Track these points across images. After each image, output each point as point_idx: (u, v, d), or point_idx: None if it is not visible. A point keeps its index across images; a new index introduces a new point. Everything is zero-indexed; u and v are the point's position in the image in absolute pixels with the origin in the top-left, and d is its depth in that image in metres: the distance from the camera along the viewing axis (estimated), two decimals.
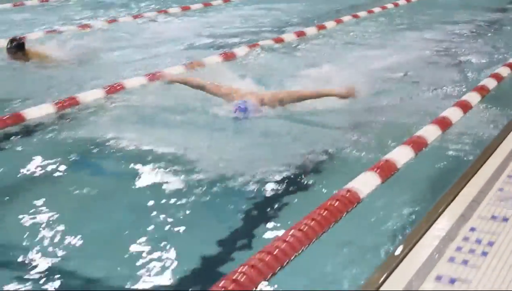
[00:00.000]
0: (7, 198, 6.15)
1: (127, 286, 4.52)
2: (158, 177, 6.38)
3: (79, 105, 8.56)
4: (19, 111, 8.01)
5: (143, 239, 5.09)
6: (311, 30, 13.21)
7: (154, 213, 5.60)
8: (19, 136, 7.55)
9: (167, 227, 5.37)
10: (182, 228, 5.36)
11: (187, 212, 5.63)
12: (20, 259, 4.89)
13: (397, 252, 4.29)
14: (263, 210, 5.74)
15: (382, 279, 3.95)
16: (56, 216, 5.52)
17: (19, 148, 7.40)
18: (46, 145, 7.39)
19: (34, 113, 8.06)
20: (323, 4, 16.23)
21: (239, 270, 4.17)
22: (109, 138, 7.26)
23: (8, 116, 7.92)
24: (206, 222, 5.67)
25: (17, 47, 10.33)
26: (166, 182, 6.24)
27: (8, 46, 10.39)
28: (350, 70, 9.79)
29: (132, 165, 6.63)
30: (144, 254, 4.86)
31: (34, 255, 4.91)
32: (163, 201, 5.84)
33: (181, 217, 5.53)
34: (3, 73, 10.25)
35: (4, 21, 14.34)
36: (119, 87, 9.28)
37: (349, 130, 7.61)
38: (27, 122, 7.82)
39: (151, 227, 5.34)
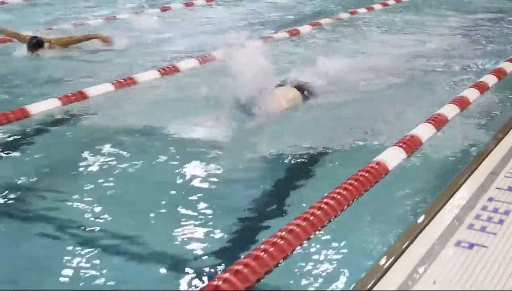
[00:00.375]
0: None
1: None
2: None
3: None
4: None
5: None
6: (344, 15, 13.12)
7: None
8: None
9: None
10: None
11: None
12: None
13: (420, 220, 4.29)
14: (298, 182, 5.73)
15: (406, 244, 3.95)
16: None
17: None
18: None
19: (93, 91, 8.07)
20: None
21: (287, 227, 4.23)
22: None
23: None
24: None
25: (36, 45, 10.17)
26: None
27: (28, 44, 10.18)
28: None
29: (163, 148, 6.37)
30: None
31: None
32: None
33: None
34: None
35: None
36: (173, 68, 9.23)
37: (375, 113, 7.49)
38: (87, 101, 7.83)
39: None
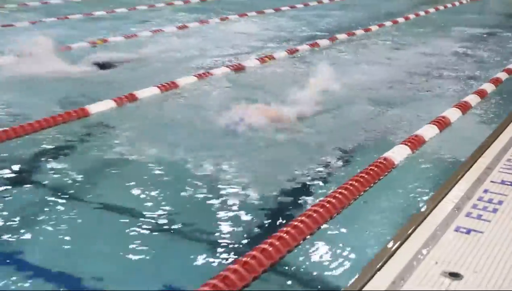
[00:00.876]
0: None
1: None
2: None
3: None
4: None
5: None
6: (359, 32, 13.07)
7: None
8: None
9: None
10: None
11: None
12: None
13: (424, 208, 4.31)
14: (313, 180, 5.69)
15: (411, 229, 3.97)
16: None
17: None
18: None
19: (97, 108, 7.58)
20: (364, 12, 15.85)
21: (299, 218, 4.25)
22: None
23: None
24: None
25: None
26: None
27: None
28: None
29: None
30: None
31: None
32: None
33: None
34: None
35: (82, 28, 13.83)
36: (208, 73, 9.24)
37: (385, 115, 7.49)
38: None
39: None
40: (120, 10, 16.25)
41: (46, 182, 5.59)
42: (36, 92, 8.40)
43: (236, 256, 4.04)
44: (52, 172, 5.82)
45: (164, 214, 4.81)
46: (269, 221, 4.77)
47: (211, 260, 4.17)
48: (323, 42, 11.76)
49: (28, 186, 5.49)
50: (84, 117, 7.21)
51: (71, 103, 7.67)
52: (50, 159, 6.13)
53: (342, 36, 12.39)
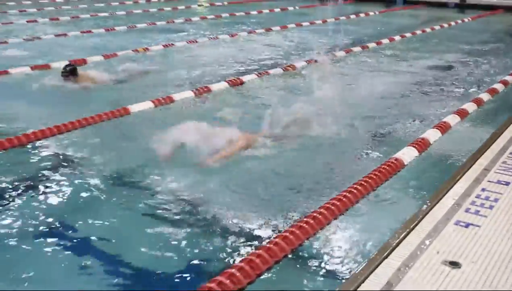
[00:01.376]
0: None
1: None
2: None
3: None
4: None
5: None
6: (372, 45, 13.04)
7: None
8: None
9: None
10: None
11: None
12: None
13: (426, 204, 4.29)
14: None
15: (415, 223, 3.96)
16: None
17: None
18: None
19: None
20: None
21: (314, 212, 4.25)
22: None
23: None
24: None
25: (71, 72, 8.80)
26: None
27: (63, 70, 8.85)
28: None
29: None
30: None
31: None
32: None
33: None
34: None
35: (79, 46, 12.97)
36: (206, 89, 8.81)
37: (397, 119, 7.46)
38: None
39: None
40: (160, 23, 16.35)
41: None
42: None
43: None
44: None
45: None
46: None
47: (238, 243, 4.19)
48: (339, 54, 11.75)
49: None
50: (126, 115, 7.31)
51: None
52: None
53: (356, 49, 12.36)
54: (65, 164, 5.85)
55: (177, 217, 4.66)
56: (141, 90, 8.72)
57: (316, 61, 10.35)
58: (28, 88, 8.63)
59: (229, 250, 4.11)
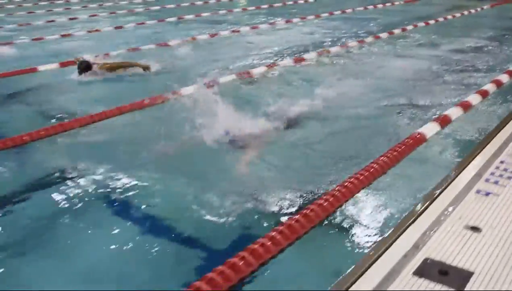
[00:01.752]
0: None
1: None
2: None
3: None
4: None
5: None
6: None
7: None
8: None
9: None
10: None
11: None
12: None
13: (450, 174, 4.25)
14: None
15: (439, 190, 3.94)
16: None
17: None
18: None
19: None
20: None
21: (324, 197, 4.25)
22: None
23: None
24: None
25: (85, 68, 8.70)
26: None
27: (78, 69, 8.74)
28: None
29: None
30: None
31: None
32: None
33: None
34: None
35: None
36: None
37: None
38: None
39: None
40: (205, 14, 16.38)
41: None
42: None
43: None
44: None
45: None
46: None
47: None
48: (369, 39, 11.62)
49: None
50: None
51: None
52: None
53: (383, 35, 12.18)
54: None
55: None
56: (189, 75, 8.76)
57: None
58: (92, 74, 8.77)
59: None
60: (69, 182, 4.77)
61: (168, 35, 12.57)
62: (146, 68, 9.01)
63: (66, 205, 4.36)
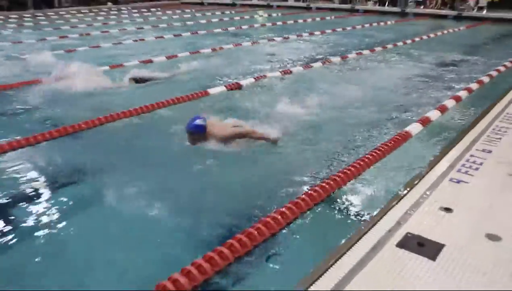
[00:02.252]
0: None
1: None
2: None
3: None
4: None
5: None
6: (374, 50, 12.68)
7: None
8: None
9: None
10: None
11: None
12: None
13: (425, 168, 4.25)
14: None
15: (418, 180, 3.94)
16: None
17: None
18: None
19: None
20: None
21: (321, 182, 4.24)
22: None
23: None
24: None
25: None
26: None
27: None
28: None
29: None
30: None
31: None
32: None
33: None
34: None
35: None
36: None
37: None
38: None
39: None
40: (231, 28, 16.37)
41: None
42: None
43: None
44: None
45: None
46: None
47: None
48: (365, 52, 11.53)
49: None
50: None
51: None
52: None
53: (378, 49, 12.08)
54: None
55: None
56: (215, 77, 8.81)
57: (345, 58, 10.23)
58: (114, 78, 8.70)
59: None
60: None
61: (200, 44, 12.58)
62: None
63: None
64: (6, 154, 5.08)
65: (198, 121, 4.81)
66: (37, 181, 4.50)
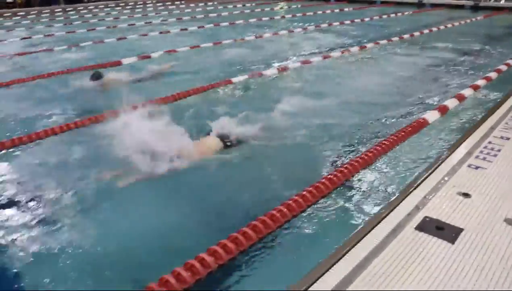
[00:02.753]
0: None
1: None
2: None
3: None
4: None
5: None
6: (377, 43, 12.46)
7: None
8: None
9: None
10: None
11: None
12: None
13: (444, 154, 4.18)
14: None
15: (436, 165, 3.87)
16: None
17: None
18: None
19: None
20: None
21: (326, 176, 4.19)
22: None
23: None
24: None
25: (97, 78, 7.42)
26: None
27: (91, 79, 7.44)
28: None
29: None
30: None
31: None
32: None
33: None
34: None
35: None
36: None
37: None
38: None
39: None
40: (252, 20, 16.28)
41: None
42: None
43: None
44: None
45: None
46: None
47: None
48: (383, 42, 11.34)
49: None
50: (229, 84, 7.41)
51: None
52: None
53: (395, 39, 11.87)
54: None
55: None
56: (237, 67, 8.79)
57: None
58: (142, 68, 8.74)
59: None
60: None
61: (222, 36, 12.55)
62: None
63: None
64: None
65: None
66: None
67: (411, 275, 2.49)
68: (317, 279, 2.46)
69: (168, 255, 3.04)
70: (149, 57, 9.69)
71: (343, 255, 2.66)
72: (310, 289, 2.40)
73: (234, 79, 7.53)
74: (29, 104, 6.56)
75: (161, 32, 13.59)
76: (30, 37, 13.15)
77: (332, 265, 2.57)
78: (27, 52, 10.69)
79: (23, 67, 9.16)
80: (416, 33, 12.75)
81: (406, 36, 12.26)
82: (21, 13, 19.66)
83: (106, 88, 7.30)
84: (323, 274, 2.51)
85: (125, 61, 9.37)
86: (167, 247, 3.14)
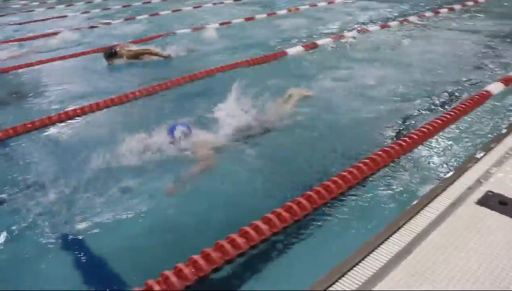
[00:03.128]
0: None
1: None
2: None
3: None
4: None
5: None
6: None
7: None
8: None
9: None
10: None
11: None
12: None
13: (505, 127, 3.98)
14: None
15: (498, 141, 3.72)
16: None
17: None
18: None
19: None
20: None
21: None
22: None
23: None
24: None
25: (110, 56, 7.42)
26: None
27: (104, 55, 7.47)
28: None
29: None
30: None
31: None
32: None
33: None
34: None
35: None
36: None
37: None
38: None
39: None
40: None
41: None
42: None
43: None
44: None
45: None
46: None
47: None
48: (443, 11, 10.73)
49: None
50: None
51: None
52: None
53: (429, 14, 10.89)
54: None
55: None
56: (292, 38, 8.62)
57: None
58: (197, 40, 8.72)
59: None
60: None
61: (277, 6, 12.32)
62: (167, 56, 7.49)
63: None
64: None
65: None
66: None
67: (470, 250, 2.43)
68: (377, 248, 2.48)
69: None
70: (203, 28, 9.73)
71: (403, 225, 2.64)
72: (370, 256, 2.43)
73: (289, 50, 7.45)
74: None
75: (215, 3, 13.58)
76: (88, 12, 13.51)
77: (392, 234, 2.56)
78: (85, 26, 11.00)
79: (83, 41, 9.44)
80: (470, 2, 11.83)
81: (428, 13, 10.78)
82: None
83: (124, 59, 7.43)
84: (383, 242, 2.52)
85: (179, 32, 9.47)
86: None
